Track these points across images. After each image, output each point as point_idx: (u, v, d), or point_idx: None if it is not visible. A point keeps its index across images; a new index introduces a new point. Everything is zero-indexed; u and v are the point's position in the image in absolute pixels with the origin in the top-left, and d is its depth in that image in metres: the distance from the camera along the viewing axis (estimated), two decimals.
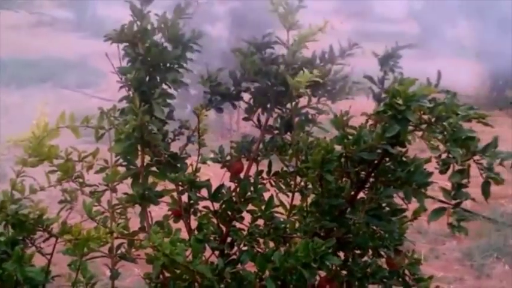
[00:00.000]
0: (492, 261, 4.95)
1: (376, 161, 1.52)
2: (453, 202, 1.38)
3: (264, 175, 2.01)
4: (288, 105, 1.96)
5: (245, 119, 2.01)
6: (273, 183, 1.99)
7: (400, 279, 1.65)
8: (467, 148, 1.32)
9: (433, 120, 1.36)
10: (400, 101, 1.38)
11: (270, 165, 2.01)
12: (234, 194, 1.96)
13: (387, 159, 1.51)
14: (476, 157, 1.33)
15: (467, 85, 9.48)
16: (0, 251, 1.89)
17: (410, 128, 1.40)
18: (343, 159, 1.54)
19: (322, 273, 1.87)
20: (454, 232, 1.36)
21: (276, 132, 1.96)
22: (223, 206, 1.95)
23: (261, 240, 1.85)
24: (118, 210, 2.04)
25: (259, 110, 2.00)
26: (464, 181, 1.36)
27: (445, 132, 1.32)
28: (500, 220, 5.65)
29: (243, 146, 2.00)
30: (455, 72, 7.23)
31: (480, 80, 10.60)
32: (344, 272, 1.65)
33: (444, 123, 1.32)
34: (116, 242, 2.03)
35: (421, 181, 1.43)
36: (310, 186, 1.73)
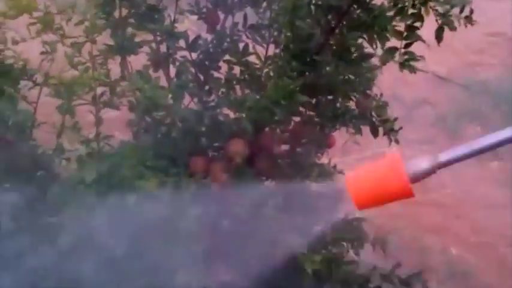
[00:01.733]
0: (465, 124, 5.15)
1: (345, 8, 1.59)
2: (404, 43, 1.47)
3: (240, 27, 2.08)
4: None
5: None
6: (249, 35, 2.06)
7: (368, 121, 1.78)
8: None
9: None
10: None
11: (245, 18, 2.07)
12: (210, 45, 2.04)
13: (355, 6, 1.58)
14: (432, 3, 1.41)
15: None
16: None
17: None
18: (313, 7, 1.61)
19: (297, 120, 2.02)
20: (404, 69, 1.47)
21: None
22: (201, 56, 2.04)
23: (238, 88, 1.96)
24: (99, 61, 2.13)
25: None
26: (417, 24, 1.45)
27: None
28: (474, 88, 5.80)
29: None
30: None
31: None
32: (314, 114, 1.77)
33: None
34: (99, 91, 2.13)
35: (384, 24, 1.51)
36: (283, 36, 1.80)
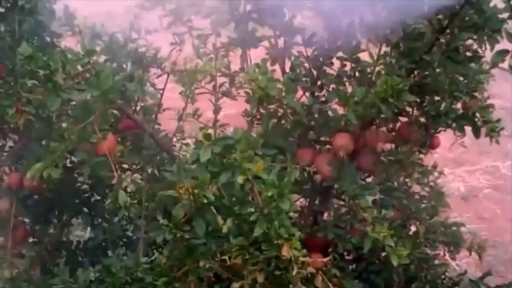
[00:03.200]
0: None
1: (457, 7, 1.61)
2: None
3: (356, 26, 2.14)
4: None
5: None
6: (363, 34, 2.11)
7: (471, 121, 1.78)
8: None
9: None
10: None
11: (361, 17, 2.13)
12: (325, 41, 2.12)
13: (467, 6, 1.60)
14: None
15: None
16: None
17: None
18: (425, 7, 1.64)
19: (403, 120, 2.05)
20: None
21: None
22: (315, 52, 2.12)
23: (348, 84, 2.02)
24: (222, 53, 2.28)
25: None
26: None
27: None
28: None
29: None
30: None
31: None
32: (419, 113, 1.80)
33: None
34: (219, 81, 2.29)
35: (495, 26, 1.51)
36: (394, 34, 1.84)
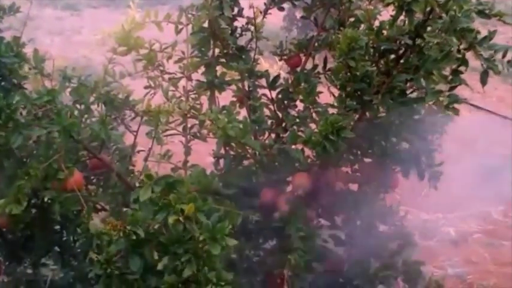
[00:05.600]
0: None
1: (401, 52, 1.67)
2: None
3: (320, 70, 2.21)
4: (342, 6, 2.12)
5: (303, 17, 2.20)
6: (327, 77, 2.18)
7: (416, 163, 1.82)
8: (465, 38, 1.44)
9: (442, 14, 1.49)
10: None
11: (325, 61, 2.20)
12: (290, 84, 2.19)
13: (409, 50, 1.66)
14: (478, 49, 1.46)
15: None
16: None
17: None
18: (371, 50, 1.70)
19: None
20: (445, 112, 1.51)
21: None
22: (280, 95, 2.19)
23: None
24: (192, 96, 2.35)
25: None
26: (462, 68, 1.50)
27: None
28: None
29: (301, 42, 2.19)
30: None
31: None
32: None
33: (443, 15, 1.45)
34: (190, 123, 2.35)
35: (430, 67, 1.56)
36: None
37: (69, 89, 2.14)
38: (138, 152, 2.42)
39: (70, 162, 1.98)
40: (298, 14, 6.66)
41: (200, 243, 1.53)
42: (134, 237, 1.58)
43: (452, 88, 1.54)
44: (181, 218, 1.54)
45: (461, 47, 1.49)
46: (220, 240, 1.52)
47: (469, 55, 1.54)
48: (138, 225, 1.58)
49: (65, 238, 2.33)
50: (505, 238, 3.94)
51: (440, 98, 1.53)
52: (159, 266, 1.56)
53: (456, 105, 1.52)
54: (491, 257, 3.74)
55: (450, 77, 1.52)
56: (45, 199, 2.12)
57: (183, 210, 1.54)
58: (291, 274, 1.94)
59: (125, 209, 2.20)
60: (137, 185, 2.43)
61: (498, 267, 3.61)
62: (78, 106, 2.14)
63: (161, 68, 2.38)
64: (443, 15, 1.47)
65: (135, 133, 2.39)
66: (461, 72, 1.53)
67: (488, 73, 1.48)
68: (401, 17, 1.68)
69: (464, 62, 1.50)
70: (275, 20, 2.31)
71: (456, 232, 4.02)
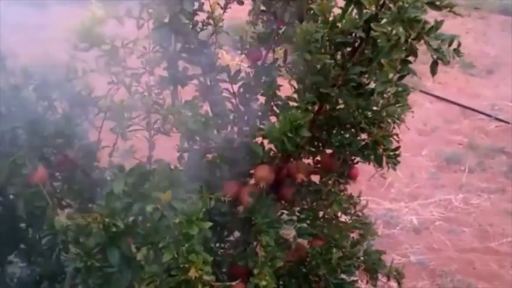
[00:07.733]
0: None
1: (356, 44, 1.72)
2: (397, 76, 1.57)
3: (281, 63, 2.26)
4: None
5: (263, 11, 2.23)
6: (287, 70, 2.22)
7: (373, 150, 1.87)
8: (413, 29, 1.49)
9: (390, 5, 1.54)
10: None
11: (285, 54, 2.24)
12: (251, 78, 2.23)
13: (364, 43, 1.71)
14: (426, 39, 1.51)
15: None
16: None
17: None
18: (327, 43, 1.75)
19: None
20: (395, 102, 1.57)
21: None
22: (241, 88, 2.22)
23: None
24: (155, 91, 2.37)
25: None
26: (410, 58, 1.55)
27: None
28: None
29: (261, 36, 2.23)
30: None
31: None
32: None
33: (390, 5, 1.50)
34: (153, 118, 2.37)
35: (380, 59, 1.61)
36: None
37: (32, 86, 2.15)
38: (103, 147, 2.44)
39: (34, 158, 1.99)
40: None
41: (177, 226, 1.56)
42: (114, 229, 1.60)
43: (401, 78, 1.59)
44: (159, 206, 1.57)
45: (411, 37, 1.53)
46: (196, 222, 1.56)
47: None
48: (117, 217, 1.60)
49: (30, 236, 2.34)
50: (466, 225, 4.06)
51: (389, 88, 1.58)
52: (139, 257, 1.59)
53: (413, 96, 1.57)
54: (452, 243, 3.84)
55: (399, 67, 1.56)
56: (10, 196, 2.14)
57: (159, 199, 1.58)
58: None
59: (90, 205, 2.23)
60: (108, 178, 2.48)
61: (459, 254, 3.71)
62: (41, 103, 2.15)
63: (123, 64, 2.40)
64: (391, 6, 1.52)
65: (99, 129, 2.41)
66: (410, 62, 1.58)
67: (437, 63, 1.53)
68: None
69: (413, 51, 1.55)
70: (242, 14, 2.34)
71: (418, 220, 4.11)
